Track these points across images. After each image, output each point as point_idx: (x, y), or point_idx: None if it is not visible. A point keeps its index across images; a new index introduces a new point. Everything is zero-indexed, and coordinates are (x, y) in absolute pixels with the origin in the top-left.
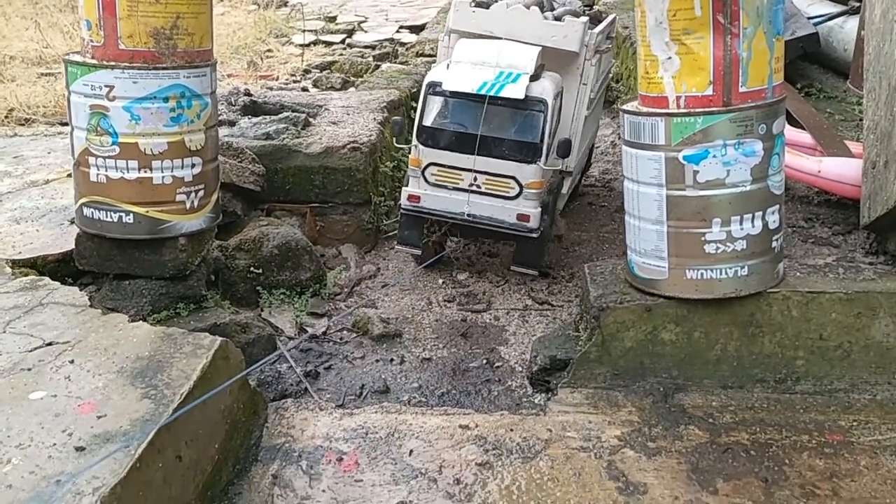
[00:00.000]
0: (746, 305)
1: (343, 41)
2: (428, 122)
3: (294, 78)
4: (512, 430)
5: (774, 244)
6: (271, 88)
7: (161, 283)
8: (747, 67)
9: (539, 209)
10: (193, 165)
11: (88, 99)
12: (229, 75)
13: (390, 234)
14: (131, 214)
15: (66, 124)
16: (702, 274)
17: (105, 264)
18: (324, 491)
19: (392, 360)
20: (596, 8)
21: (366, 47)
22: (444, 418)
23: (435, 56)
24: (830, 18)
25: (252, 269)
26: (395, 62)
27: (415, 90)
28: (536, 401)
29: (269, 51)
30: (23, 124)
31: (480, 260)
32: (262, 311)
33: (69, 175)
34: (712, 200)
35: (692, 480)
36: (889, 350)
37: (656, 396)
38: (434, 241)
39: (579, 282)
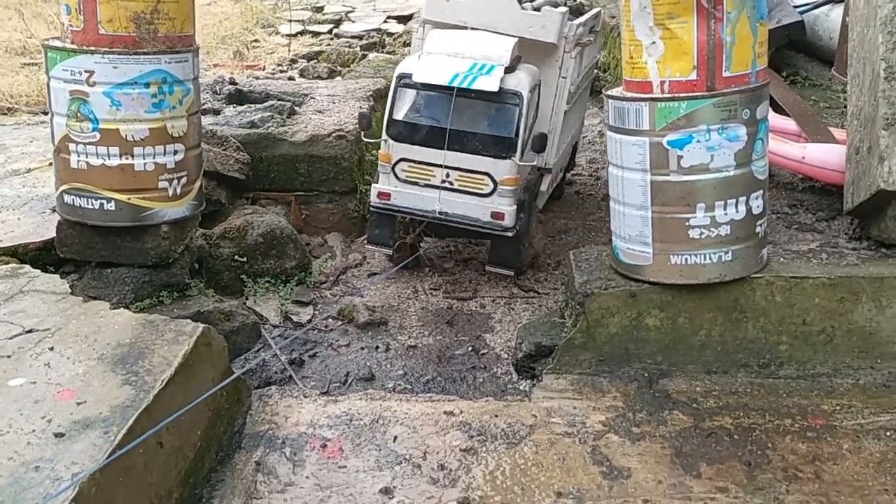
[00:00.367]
0: (731, 291)
1: (330, 31)
2: (398, 115)
3: (281, 68)
4: (497, 416)
5: (758, 229)
6: (257, 78)
7: (144, 271)
8: (731, 52)
9: (514, 207)
10: (176, 152)
11: (68, 84)
12: (215, 65)
13: None
14: (113, 201)
15: (48, 113)
16: (686, 259)
17: (87, 252)
18: (307, 477)
19: (377, 347)
20: (580, 0)
21: (353, 37)
22: (428, 405)
23: None
24: (816, 7)
25: (237, 257)
26: (383, 52)
27: None
28: (521, 387)
29: (255, 41)
30: (5, 113)
31: (466, 248)
32: (246, 299)
33: (51, 164)
34: (696, 185)
35: (676, 465)
36: (872, 335)
37: (641, 382)
38: (407, 242)
39: (565, 269)
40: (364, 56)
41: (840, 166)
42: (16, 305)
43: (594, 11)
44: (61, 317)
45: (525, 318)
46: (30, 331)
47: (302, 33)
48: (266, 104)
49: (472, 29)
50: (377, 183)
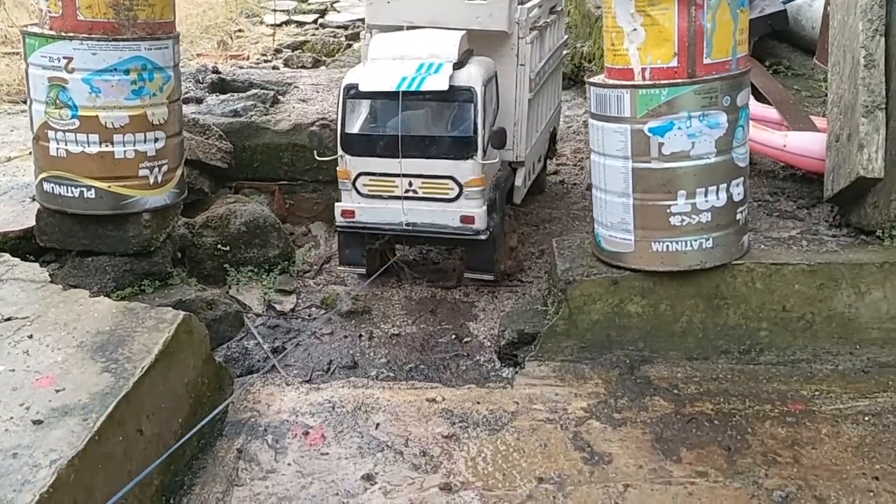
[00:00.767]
0: (711, 277)
1: (315, 21)
2: (351, 129)
3: (265, 57)
4: (479, 402)
5: (739, 216)
6: (241, 67)
7: (125, 259)
8: (712, 39)
9: (484, 208)
10: (156, 140)
11: (47, 71)
12: (199, 55)
13: None
14: (93, 189)
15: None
16: (667, 246)
17: (67, 241)
18: (289, 464)
19: (360, 336)
20: None
21: (338, 27)
22: (411, 392)
23: None
24: None
25: (219, 246)
26: None
27: None
28: (504, 374)
29: (239, 30)
30: None
31: None
32: (229, 288)
33: (31, 153)
34: (677, 172)
35: (656, 450)
36: (851, 321)
37: (622, 368)
38: (378, 250)
39: (548, 258)
40: (349, 46)
41: (821, 154)
42: None
43: None
44: (41, 305)
45: (508, 306)
46: (8, 319)
47: (287, 23)
48: (249, 93)
49: (418, 28)
50: (339, 202)
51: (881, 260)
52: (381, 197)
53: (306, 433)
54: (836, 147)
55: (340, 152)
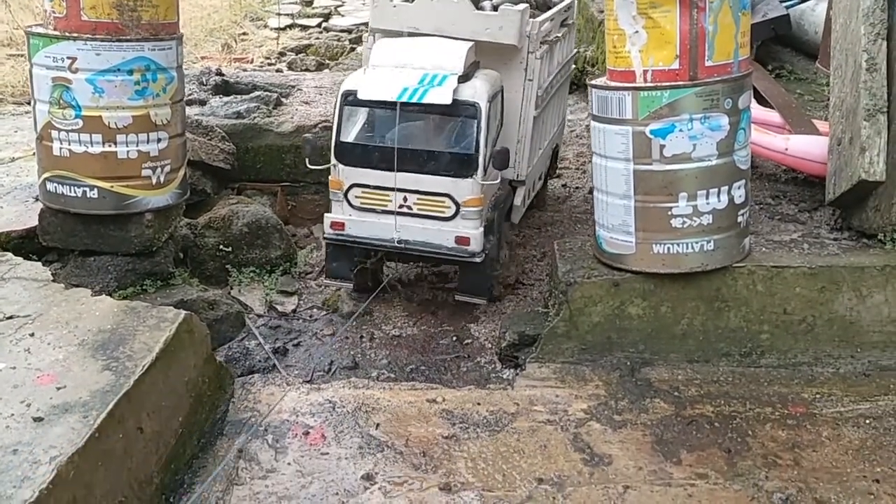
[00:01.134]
0: (712, 280)
1: (319, 25)
2: (347, 137)
3: (269, 61)
4: (479, 404)
5: (740, 219)
6: (245, 70)
7: (127, 259)
8: (713, 41)
9: (481, 229)
10: (159, 140)
11: (51, 71)
12: (203, 57)
13: None
14: (96, 189)
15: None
16: (668, 248)
17: (69, 240)
18: (289, 464)
19: (362, 337)
20: None
21: (342, 31)
22: (411, 393)
23: None
24: (802, 1)
25: (221, 247)
26: None
27: None
28: (505, 376)
29: (244, 34)
30: None
31: None
32: (231, 289)
33: (35, 153)
34: (679, 174)
35: (656, 451)
36: (852, 324)
37: (623, 370)
38: (368, 269)
39: (550, 260)
40: (353, 49)
41: (823, 157)
42: None
43: (564, 3)
44: (42, 303)
45: (509, 308)
46: (10, 317)
47: (291, 27)
48: (252, 95)
49: (424, 35)
50: (329, 212)
51: (882, 263)
52: (373, 210)
53: (307, 433)
54: (837, 150)
55: (334, 161)
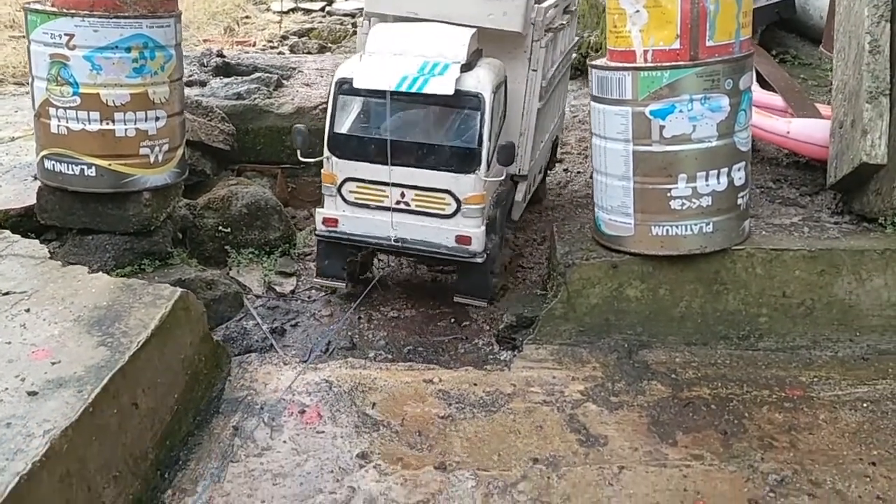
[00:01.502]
0: (711, 262)
1: (322, 9)
2: (341, 128)
3: (271, 44)
4: (476, 384)
5: (740, 201)
6: (247, 52)
7: (125, 238)
8: (714, 21)
9: (482, 228)
10: (157, 118)
11: (48, 48)
12: (205, 40)
13: None
14: (93, 167)
15: None
16: (667, 230)
17: (67, 218)
18: (285, 442)
19: (360, 318)
20: None
21: (345, 15)
22: (408, 373)
23: None
24: None
25: (220, 227)
26: None
27: None
28: (502, 357)
29: (246, 17)
30: None
31: None
32: (230, 269)
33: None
34: (678, 156)
35: (652, 433)
36: (851, 307)
37: (621, 352)
38: (358, 262)
39: (549, 243)
40: (356, 33)
41: (824, 141)
42: None
43: None
44: (39, 280)
45: (508, 290)
46: (7, 293)
47: (294, 10)
48: (253, 76)
49: (423, 20)
50: (321, 207)
51: (883, 247)
52: (368, 206)
53: (302, 412)
54: (839, 133)
55: (327, 153)
